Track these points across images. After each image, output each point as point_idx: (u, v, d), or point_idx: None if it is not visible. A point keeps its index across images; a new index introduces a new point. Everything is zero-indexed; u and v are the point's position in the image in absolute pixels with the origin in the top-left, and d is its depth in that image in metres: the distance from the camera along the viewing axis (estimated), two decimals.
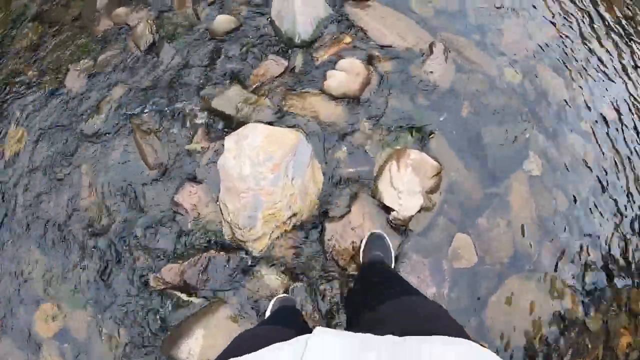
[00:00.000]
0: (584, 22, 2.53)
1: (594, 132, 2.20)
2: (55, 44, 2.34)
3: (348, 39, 2.01)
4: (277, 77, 1.90)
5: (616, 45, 2.48)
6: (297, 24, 1.94)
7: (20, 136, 2.18)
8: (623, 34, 2.55)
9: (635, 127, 2.26)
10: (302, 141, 1.77)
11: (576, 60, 2.35)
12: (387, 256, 1.63)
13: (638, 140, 2.24)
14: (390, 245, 1.68)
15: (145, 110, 1.98)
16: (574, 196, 2.04)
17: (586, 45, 2.44)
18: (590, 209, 2.04)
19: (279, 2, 2.02)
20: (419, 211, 1.73)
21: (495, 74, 2.12)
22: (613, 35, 2.51)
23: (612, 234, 2.03)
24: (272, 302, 1.65)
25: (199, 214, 1.78)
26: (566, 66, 2.32)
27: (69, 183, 1.99)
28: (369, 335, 0.62)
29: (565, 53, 2.36)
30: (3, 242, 2.02)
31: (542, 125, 2.11)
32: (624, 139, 2.24)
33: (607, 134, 2.24)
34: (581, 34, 2.47)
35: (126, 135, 1.97)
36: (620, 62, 2.44)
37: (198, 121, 1.90)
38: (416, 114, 1.91)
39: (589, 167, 2.12)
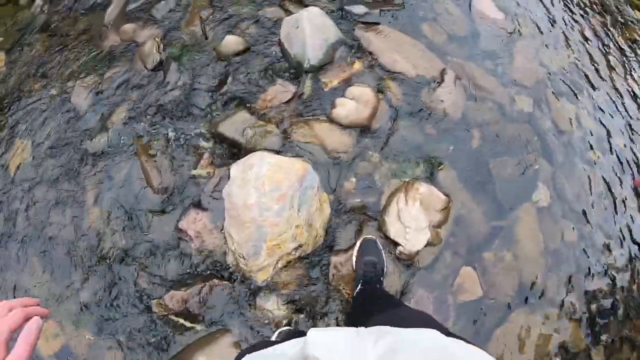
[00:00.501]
0: (596, 47, 2.47)
1: (603, 161, 2.16)
2: (62, 58, 2.29)
3: (358, 65, 1.96)
4: (285, 103, 1.86)
5: (629, 70, 2.42)
6: (307, 48, 1.89)
7: (26, 150, 2.15)
8: (636, 59, 2.49)
9: None
10: (309, 171, 1.73)
11: (587, 86, 2.30)
12: (380, 259, 1.63)
13: None
14: (382, 249, 1.67)
15: (151, 132, 1.94)
16: (581, 227, 1.99)
17: (598, 70, 2.38)
18: (596, 239, 2.00)
19: (288, 25, 1.97)
20: (425, 246, 1.69)
21: (506, 101, 2.07)
22: (626, 60, 2.46)
23: (618, 265, 1.99)
24: (276, 334, 1.62)
25: (203, 241, 1.75)
26: (577, 92, 2.26)
27: (73, 201, 1.96)
28: (361, 328, 0.67)
29: (577, 79, 2.31)
30: (6, 257, 2.00)
31: (551, 155, 2.06)
32: (634, 167, 2.19)
33: (617, 162, 2.19)
34: (593, 59, 2.41)
35: (131, 156, 1.93)
36: (633, 88, 2.38)
37: (204, 146, 1.86)
38: (425, 144, 1.87)
39: (597, 197, 2.08)
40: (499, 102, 2.05)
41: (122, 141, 1.96)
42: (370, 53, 2.01)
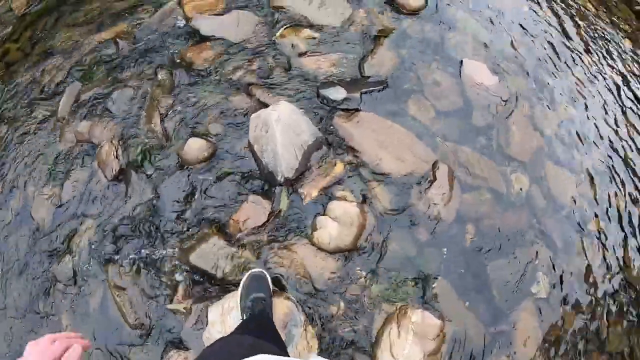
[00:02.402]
0: (594, 103, 2.13)
1: (607, 230, 1.91)
2: (19, 159, 1.96)
3: (339, 167, 1.66)
4: (259, 226, 1.58)
5: (628, 127, 2.10)
6: (279, 160, 1.58)
7: None
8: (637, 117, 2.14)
9: None
10: (293, 310, 1.50)
11: (587, 144, 2.00)
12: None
13: None
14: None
15: (118, 257, 1.68)
16: (582, 310, 1.80)
17: (596, 128, 2.06)
18: (598, 321, 1.82)
19: (256, 126, 1.64)
20: None
21: (503, 186, 1.79)
22: (626, 118, 2.12)
23: (623, 350, 1.82)
24: (246, 276, 1.48)
25: None
26: (576, 158, 1.97)
27: (50, 330, 1.74)
28: None
29: (576, 141, 2.00)
30: None
31: (551, 237, 1.82)
32: (629, 238, 1.96)
33: (621, 229, 1.95)
34: (592, 116, 2.08)
35: (102, 284, 1.68)
36: (634, 147, 2.08)
37: (177, 277, 1.61)
38: (418, 255, 1.62)
39: (600, 274, 1.86)
40: (495, 189, 1.77)
41: (90, 267, 1.71)
42: (352, 149, 1.70)
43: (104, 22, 2.29)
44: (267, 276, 1.49)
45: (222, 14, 2.06)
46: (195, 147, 1.71)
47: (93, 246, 1.73)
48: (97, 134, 1.87)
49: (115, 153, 1.79)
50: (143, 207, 1.71)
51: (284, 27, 1.97)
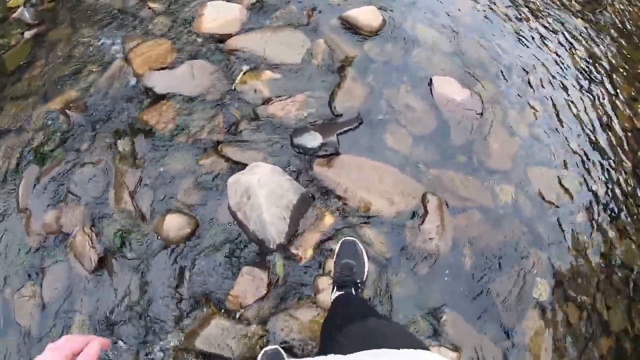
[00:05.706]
0: (562, 91, 1.97)
1: (591, 220, 1.81)
2: None
3: (329, 219, 1.46)
4: (261, 299, 1.37)
5: (598, 109, 1.97)
6: (268, 226, 1.36)
7: None
8: (599, 105, 2.00)
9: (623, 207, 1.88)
10: None
11: (562, 142, 1.86)
12: (359, 262, 1.37)
13: (630, 217, 1.87)
14: (363, 250, 1.40)
15: (118, 352, 1.45)
16: (581, 300, 1.71)
17: (568, 118, 1.92)
18: (598, 307, 1.73)
19: (236, 192, 1.40)
20: None
21: (490, 202, 1.63)
22: (594, 101, 1.98)
23: (626, 327, 1.75)
24: (260, 355, 1.33)
25: None
26: (553, 153, 1.83)
27: None
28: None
29: (550, 136, 1.85)
30: None
31: (541, 239, 1.69)
32: (615, 220, 1.87)
33: (603, 216, 1.84)
34: (562, 105, 1.93)
35: None
36: (607, 130, 1.95)
37: None
38: (423, 292, 1.46)
39: (590, 261, 1.76)
40: (484, 206, 1.61)
41: None
42: (339, 197, 1.49)
43: (49, 90, 1.94)
44: (282, 351, 1.31)
45: (174, 67, 1.76)
46: (174, 225, 1.46)
47: None
48: (66, 223, 1.58)
49: (90, 242, 1.52)
50: (133, 296, 1.47)
51: (243, 72, 1.70)
